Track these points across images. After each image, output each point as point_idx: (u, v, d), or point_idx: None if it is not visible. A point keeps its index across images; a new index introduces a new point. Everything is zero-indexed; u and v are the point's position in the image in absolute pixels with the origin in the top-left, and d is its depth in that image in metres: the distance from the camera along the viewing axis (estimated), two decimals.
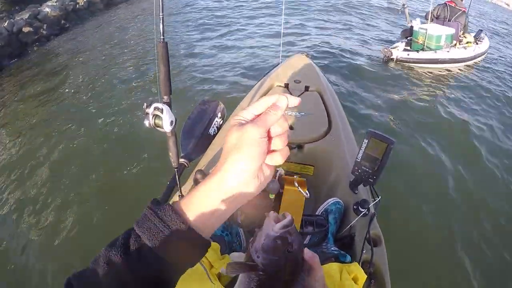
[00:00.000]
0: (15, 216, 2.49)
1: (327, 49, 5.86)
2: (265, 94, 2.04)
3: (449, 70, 5.61)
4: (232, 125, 0.41)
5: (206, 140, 1.77)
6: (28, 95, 4.52)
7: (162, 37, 0.92)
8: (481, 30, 6.64)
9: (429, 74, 5.39)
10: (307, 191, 1.16)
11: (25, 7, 7.32)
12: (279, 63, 2.53)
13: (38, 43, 6.77)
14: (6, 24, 6.30)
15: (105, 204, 2.53)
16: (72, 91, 4.50)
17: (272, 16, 7.86)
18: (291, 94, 1.98)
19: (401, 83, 4.94)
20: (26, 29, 6.57)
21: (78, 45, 6.45)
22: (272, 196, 1.29)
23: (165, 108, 0.91)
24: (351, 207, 1.38)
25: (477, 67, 6.09)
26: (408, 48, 5.72)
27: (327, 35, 6.87)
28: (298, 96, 1.99)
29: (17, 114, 4.10)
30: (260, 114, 0.42)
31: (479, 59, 6.23)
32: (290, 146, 1.69)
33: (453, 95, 4.76)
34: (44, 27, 7.05)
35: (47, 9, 7.39)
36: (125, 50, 5.90)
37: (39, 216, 2.46)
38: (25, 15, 6.91)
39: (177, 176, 1.20)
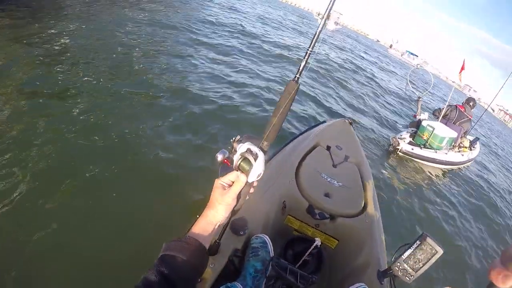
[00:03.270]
0: None
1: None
2: (309, 152, 2.06)
3: (442, 170, 6.05)
4: (217, 186, 0.76)
5: None
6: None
7: (298, 76, 0.81)
8: (478, 139, 7.17)
9: (424, 169, 5.77)
10: None
11: None
12: (324, 121, 2.60)
13: None
14: None
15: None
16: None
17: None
18: (332, 159, 2.05)
19: (400, 170, 5.23)
20: None
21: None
22: None
23: (261, 156, 0.76)
24: None
25: (464, 171, 6.65)
26: (411, 139, 6.03)
27: (344, 105, 7.21)
28: (339, 163, 2.04)
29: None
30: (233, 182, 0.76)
31: (468, 164, 6.70)
32: (324, 214, 1.67)
33: (438, 194, 5.10)
34: None
35: None
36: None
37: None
38: None
39: (226, 224, 1.13)
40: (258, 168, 0.75)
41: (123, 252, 1.90)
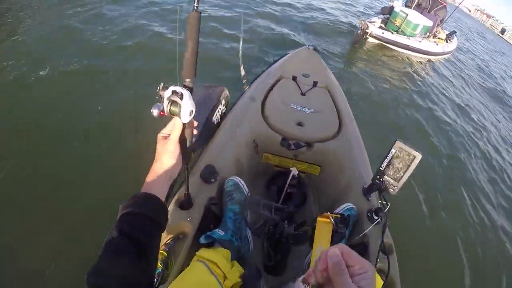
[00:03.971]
0: None
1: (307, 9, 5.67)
2: (274, 85, 1.92)
3: (412, 58, 5.79)
4: (159, 139, 0.79)
5: (209, 129, 1.63)
6: None
7: (196, 4, 0.74)
8: (455, 32, 6.97)
9: (395, 56, 5.54)
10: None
11: None
12: (286, 54, 2.42)
13: None
14: None
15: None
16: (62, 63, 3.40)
17: None
18: (299, 88, 1.92)
19: (369, 59, 5.03)
20: None
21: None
22: None
23: (186, 93, 0.74)
24: (363, 214, 1.35)
25: (439, 63, 6.46)
26: (383, 26, 5.75)
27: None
28: (307, 91, 1.91)
29: None
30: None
31: (444, 56, 6.57)
32: (299, 143, 1.61)
33: (409, 83, 5.01)
34: None
35: None
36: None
37: None
38: None
39: (186, 174, 1.06)
40: (186, 106, 0.74)
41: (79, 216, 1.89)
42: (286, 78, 2.00)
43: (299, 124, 1.67)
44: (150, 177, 0.74)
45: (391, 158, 1.24)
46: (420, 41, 5.60)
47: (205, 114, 1.67)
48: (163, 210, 0.73)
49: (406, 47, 5.53)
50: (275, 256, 1.32)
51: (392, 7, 5.76)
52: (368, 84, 4.33)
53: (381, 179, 1.29)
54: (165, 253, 1.08)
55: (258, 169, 1.69)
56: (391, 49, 5.55)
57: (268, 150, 1.64)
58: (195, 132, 0.85)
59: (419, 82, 5.04)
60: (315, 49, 2.44)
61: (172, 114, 0.77)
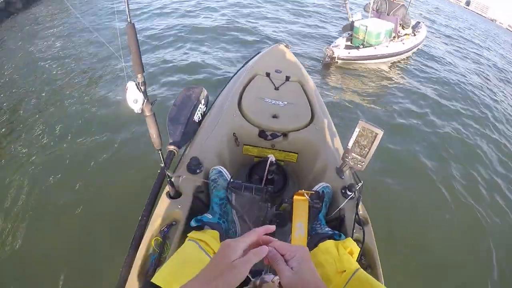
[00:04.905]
0: None
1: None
2: (248, 83, 2.05)
3: (382, 66, 5.98)
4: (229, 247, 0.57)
5: (191, 127, 1.75)
6: None
7: (129, 19, 0.92)
8: (419, 22, 7.24)
9: (370, 69, 5.73)
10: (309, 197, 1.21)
11: None
12: (259, 52, 2.55)
13: None
14: None
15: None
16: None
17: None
18: (273, 83, 2.06)
19: (345, 81, 5.18)
20: None
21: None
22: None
23: (130, 85, 0.96)
24: (338, 191, 1.49)
25: (413, 58, 6.74)
26: (349, 43, 5.89)
27: (266, 27, 6.75)
28: (280, 85, 2.05)
29: None
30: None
31: (415, 50, 6.82)
32: (276, 134, 1.75)
33: (392, 86, 5.27)
34: None
35: None
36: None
37: None
38: None
39: (161, 156, 1.20)
40: (129, 96, 0.96)
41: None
42: (260, 75, 2.13)
43: (274, 116, 1.80)
44: None
45: (356, 137, 1.38)
46: (387, 46, 5.80)
47: (186, 114, 1.78)
48: None
49: (375, 57, 5.75)
50: None
51: (352, 23, 5.92)
52: (345, 102, 4.45)
53: (349, 157, 1.43)
54: (160, 239, 1.19)
55: (240, 161, 1.81)
56: (362, 63, 5.78)
57: (248, 142, 1.76)
58: (147, 113, 1.04)
59: (393, 87, 5.26)
60: (286, 45, 2.58)
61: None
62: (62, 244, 1.99)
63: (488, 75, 7.59)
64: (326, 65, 5.48)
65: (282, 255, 0.59)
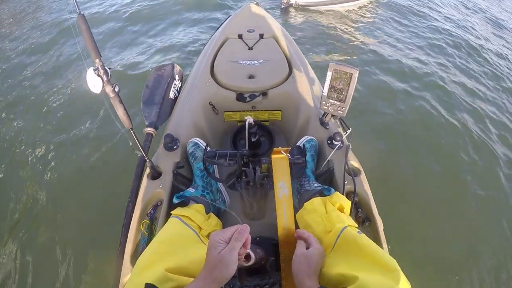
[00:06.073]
0: None
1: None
2: (220, 47, 1.95)
3: (344, 11, 5.49)
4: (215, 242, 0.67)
5: (168, 105, 1.70)
6: None
7: (78, 10, 0.95)
8: None
9: (330, 14, 5.32)
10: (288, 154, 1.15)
11: None
12: (230, 16, 2.41)
13: None
14: None
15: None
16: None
17: None
18: (246, 44, 1.95)
19: (305, 28, 4.80)
20: None
21: None
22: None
23: (88, 71, 0.97)
24: (325, 143, 1.43)
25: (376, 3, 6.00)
26: None
27: None
28: (254, 44, 1.94)
29: None
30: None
31: None
32: (254, 94, 1.67)
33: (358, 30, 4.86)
34: None
35: None
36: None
37: None
38: None
39: (134, 136, 1.18)
40: (89, 81, 0.98)
41: None
42: (231, 38, 2.02)
43: (251, 77, 1.72)
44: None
45: (330, 81, 1.29)
46: None
47: (161, 93, 1.73)
48: None
49: (334, 2, 5.34)
50: (254, 204, 1.42)
51: None
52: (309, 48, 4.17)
53: (327, 104, 1.36)
54: (148, 221, 1.19)
55: (224, 129, 1.77)
56: (324, 9, 5.33)
57: (227, 108, 1.70)
58: (111, 95, 1.05)
59: (362, 32, 4.80)
60: (257, 3, 2.43)
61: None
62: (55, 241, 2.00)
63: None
64: (285, 11, 5.16)
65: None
